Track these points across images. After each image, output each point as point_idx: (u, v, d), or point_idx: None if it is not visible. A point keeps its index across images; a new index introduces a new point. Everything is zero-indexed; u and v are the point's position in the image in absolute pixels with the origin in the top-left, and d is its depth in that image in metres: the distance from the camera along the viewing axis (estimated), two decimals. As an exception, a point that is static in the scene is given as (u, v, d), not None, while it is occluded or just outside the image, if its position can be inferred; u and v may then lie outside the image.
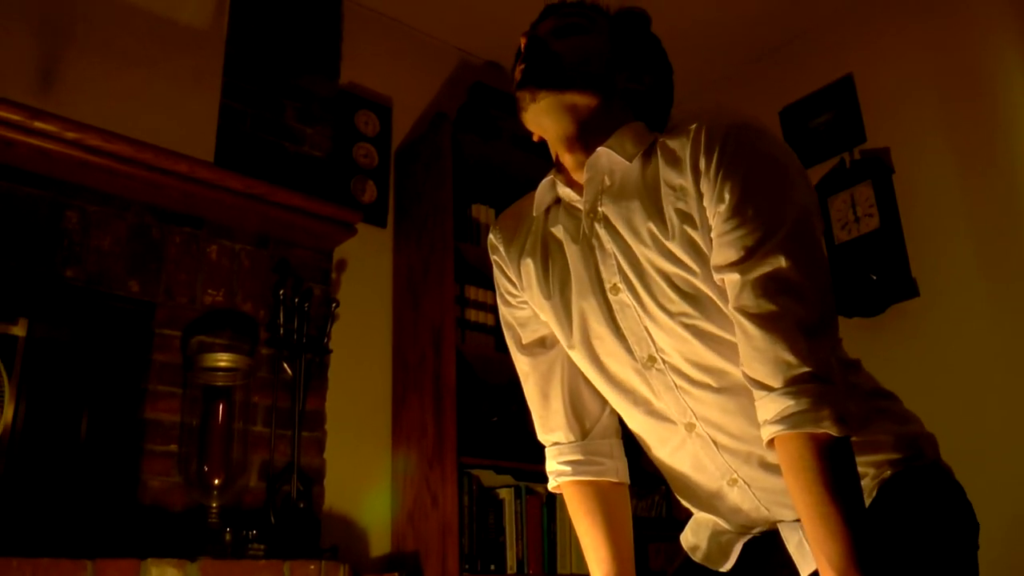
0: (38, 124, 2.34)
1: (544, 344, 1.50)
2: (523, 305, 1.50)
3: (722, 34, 3.85)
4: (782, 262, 1.14)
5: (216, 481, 2.49)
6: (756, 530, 1.42)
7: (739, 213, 1.17)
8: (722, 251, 1.18)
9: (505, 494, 3.08)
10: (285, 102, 3.16)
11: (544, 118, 1.32)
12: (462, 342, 3.12)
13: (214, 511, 2.46)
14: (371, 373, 3.21)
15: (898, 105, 3.40)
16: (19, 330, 2.45)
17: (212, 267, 2.76)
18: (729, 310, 1.20)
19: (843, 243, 3.37)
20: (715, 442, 1.33)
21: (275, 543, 2.55)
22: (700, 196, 1.21)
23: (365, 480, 3.08)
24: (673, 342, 1.29)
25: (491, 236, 1.55)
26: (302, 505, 2.71)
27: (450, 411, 2.93)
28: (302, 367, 2.83)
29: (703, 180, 1.20)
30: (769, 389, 1.13)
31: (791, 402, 1.10)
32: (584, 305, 1.36)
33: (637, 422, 1.42)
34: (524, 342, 1.51)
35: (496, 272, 1.53)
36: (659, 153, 1.28)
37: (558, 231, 1.41)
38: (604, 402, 1.48)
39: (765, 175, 1.20)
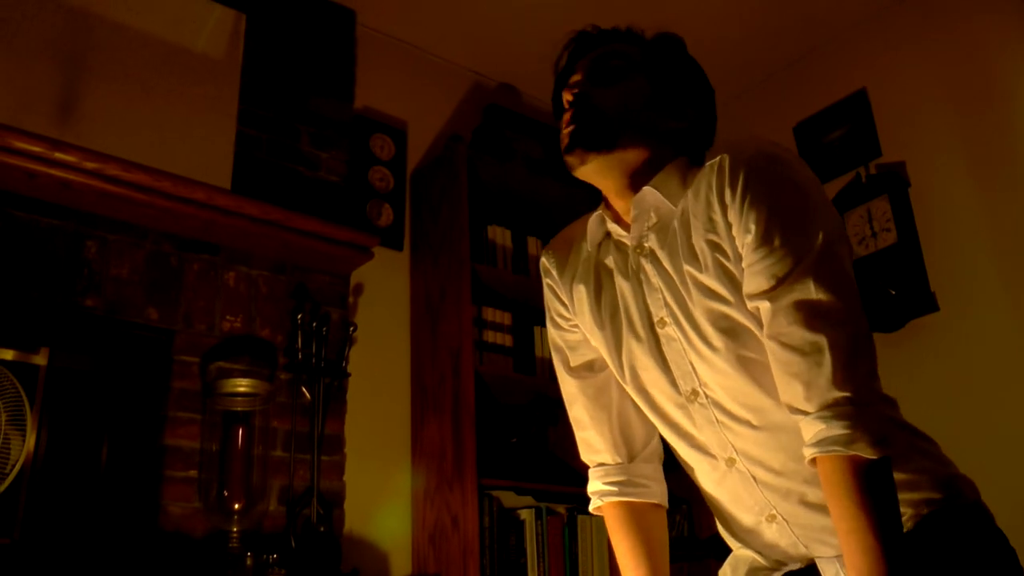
0: (59, 155, 2.36)
1: (592, 368, 1.51)
2: (574, 329, 1.52)
3: (734, 52, 3.86)
4: (812, 288, 1.17)
5: (236, 506, 2.50)
6: (793, 566, 1.42)
7: (767, 242, 1.19)
8: (753, 280, 1.21)
9: (526, 515, 3.07)
10: (300, 128, 3.18)
11: (594, 177, 1.37)
12: (480, 363, 3.13)
13: (235, 536, 2.46)
14: (389, 396, 3.22)
15: (913, 118, 3.40)
16: (40, 359, 2.47)
17: (230, 293, 2.78)
18: (763, 338, 1.22)
19: (861, 258, 3.36)
20: (754, 477, 1.34)
21: (296, 567, 2.56)
22: (729, 227, 1.24)
23: (385, 503, 3.08)
24: (716, 376, 1.30)
25: (543, 259, 1.57)
26: (322, 529, 2.71)
27: (469, 432, 2.94)
28: (320, 391, 2.83)
29: (730, 211, 1.23)
30: (805, 413, 1.15)
31: (823, 426, 1.12)
32: (632, 337, 1.39)
33: (683, 452, 1.44)
34: (572, 365, 1.53)
35: (548, 294, 1.55)
36: (691, 188, 1.31)
37: (608, 263, 1.44)
38: (651, 427, 1.50)
39: (789, 203, 1.22)
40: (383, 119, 3.55)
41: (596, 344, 1.48)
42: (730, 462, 1.35)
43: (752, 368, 1.27)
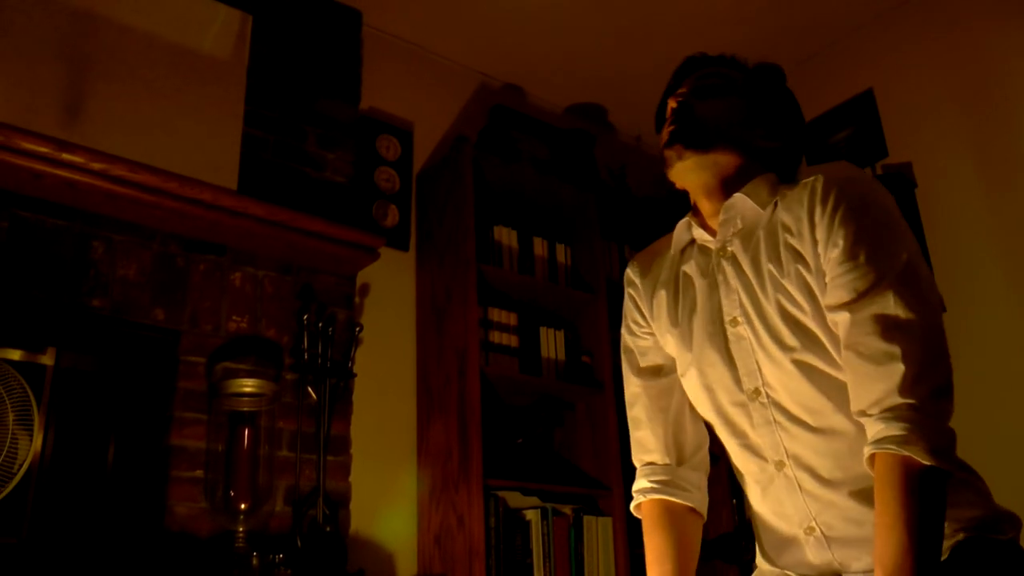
0: (65, 156, 2.37)
1: (659, 373, 1.60)
2: (647, 336, 1.61)
3: (741, 52, 3.85)
4: (891, 302, 1.23)
5: (242, 506, 2.50)
6: None
7: (851, 257, 1.27)
8: (834, 292, 1.28)
9: (531, 516, 3.07)
10: (307, 129, 3.18)
11: (689, 174, 1.46)
12: (486, 364, 3.12)
13: (241, 536, 2.47)
14: (395, 396, 3.22)
15: (920, 119, 3.39)
16: (47, 359, 2.48)
17: (236, 294, 2.78)
18: (835, 350, 1.29)
19: (867, 258, 3.34)
20: (800, 485, 1.39)
21: (302, 567, 2.56)
22: (815, 243, 1.32)
23: (391, 503, 3.08)
24: (781, 376, 1.37)
25: (628, 271, 1.67)
26: (328, 529, 2.72)
27: (475, 433, 2.93)
28: (327, 392, 2.84)
29: (818, 228, 1.32)
30: (869, 415, 1.21)
31: (882, 426, 1.18)
32: (704, 334, 1.47)
33: (734, 453, 1.51)
34: (640, 366, 1.61)
35: (627, 303, 1.65)
36: (781, 202, 1.41)
37: (690, 267, 1.53)
38: (703, 437, 1.58)
39: (875, 224, 1.30)
40: (389, 120, 3.56)
41: (669, 344, 1.56)
42: (779, 465, 1.40)
43: (814, 374, 1.34)
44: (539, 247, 3.51)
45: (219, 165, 2.86)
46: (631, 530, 3.25)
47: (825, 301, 1.30)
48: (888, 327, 1.22)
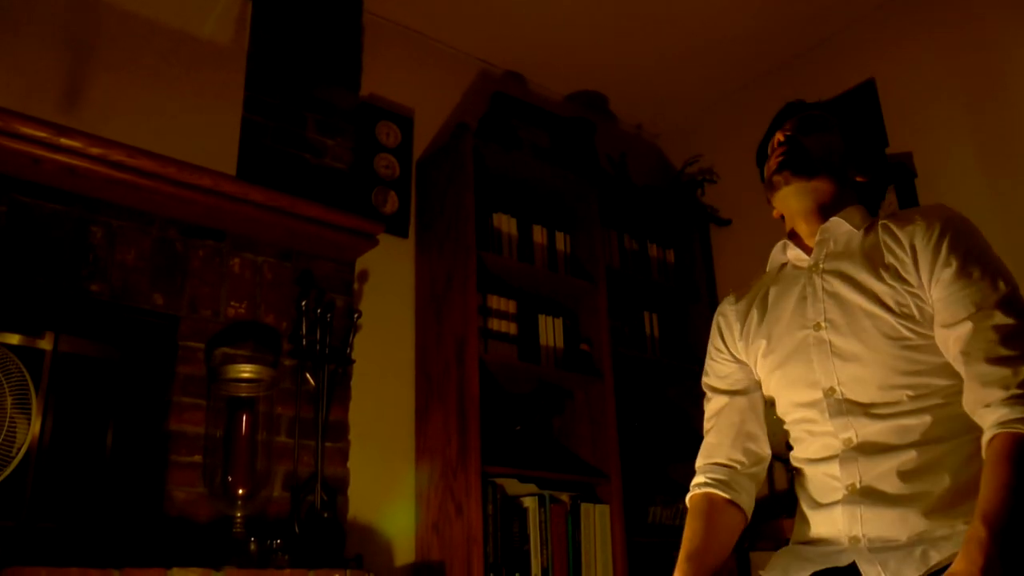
0: (64, 141, 2.36)
1: (734, 392, 1.78)
2: (725, 362, 1.81)
3: (742, 43, 3.85)
4: (1007, 316, 1.41)
5: (241, 491, 2.51)
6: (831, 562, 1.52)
7: (966, 276, 1.46)
8: (952, 307, 1.46)
9: (529, 503, 3.08)
10: (306, 115, 3.18)
11: (791, 198, 1.70)
12: (485, 351, 3.13)
13: (239, 521, 2.47)
14: (394, 383, 3.23)
15: (921, 109, 3.38)
16: (46, 344, 2.48)
17: (235, 280, 2.79)
18: (955, 353, 1.45)
19: (867, 248, 3.34)
20: (861, 475, 1.50)
21: (300, 553, 2.57)
22: (916, 266, 1.51)
23: (389, 490, 3.09)
24: (862, 374, 1.53)
25: (723, 302, 1.87)
26: (326, 515, 2.73)
27: (473, 420, 2.94)
28: (325, 378, 2.84)
29: (923, 252, 1.51)
30: (991, 405, 1.36)
31: (1006, 410, 1.33)
32: (788, 338, 1.65)
33: (806, 438, 1.64)
34: (720, 388, 1.80)
35: (713, 330, 1.85)
36: (882, 230, 1.60)
37: (781, 284, 1.73)
38: (766, 454, 1.75)
39: (981, 253, 1.50)
40: (389, 107, 3.55)
41: (758, 349, 1.72)
42: (847, 442, 1.53)
43: (891, 374, 1.50)
44: (539, 235, 3.51)
45: (218, 151, 2.86)
46: (628, 518, 3.26)
47: (941, 317, 1.46)
48: (1007, 336, 1.39)
